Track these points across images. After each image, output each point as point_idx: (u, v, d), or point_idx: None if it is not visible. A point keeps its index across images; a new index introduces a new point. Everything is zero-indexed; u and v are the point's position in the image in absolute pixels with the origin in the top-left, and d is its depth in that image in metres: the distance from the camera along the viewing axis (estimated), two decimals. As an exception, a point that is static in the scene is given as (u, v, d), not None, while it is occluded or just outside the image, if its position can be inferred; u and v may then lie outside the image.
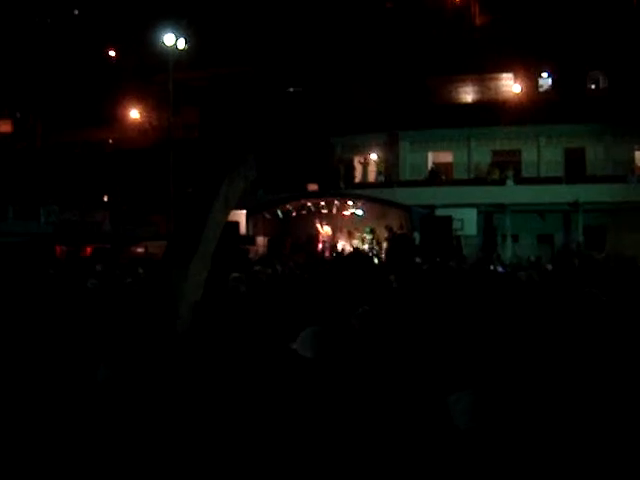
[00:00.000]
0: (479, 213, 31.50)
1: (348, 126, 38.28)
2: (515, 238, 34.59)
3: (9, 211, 30.43)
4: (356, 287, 11.20)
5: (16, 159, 45.28)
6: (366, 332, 6.12)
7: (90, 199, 39.83)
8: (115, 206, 39.67)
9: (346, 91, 40.00)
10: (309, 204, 32.02)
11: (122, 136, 48.00)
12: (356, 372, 4.81)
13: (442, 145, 38.78)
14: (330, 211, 32.23)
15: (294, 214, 32.38)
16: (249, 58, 43.12)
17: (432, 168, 37.54)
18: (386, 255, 26.83)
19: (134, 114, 48.17)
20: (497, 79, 41.38)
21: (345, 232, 31.99)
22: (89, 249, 30.71)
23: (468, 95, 41.76)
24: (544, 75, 41.61)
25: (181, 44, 35.45)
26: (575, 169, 35.88)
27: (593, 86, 40.40)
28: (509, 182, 34.72)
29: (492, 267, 20.02)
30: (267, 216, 32.22)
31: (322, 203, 32.00)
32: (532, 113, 36.74)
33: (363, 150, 39.65)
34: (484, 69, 40.48)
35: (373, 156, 39.51)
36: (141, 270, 14.27)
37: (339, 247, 30.52)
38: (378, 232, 30.46)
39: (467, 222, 29.63)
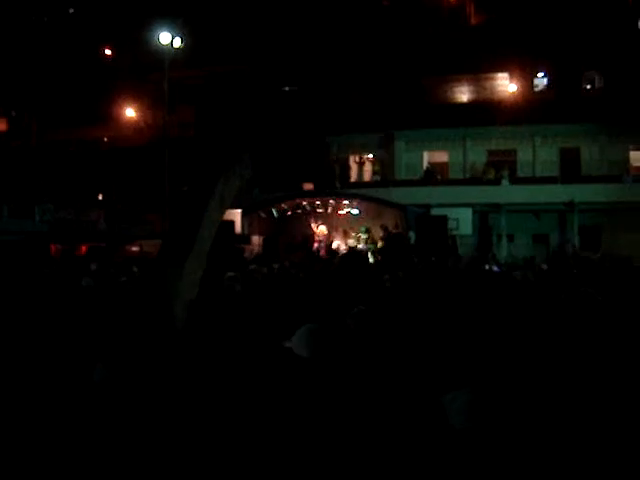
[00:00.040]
0: (474, 213, 31.51)
1: (344, 125, 38.26)
2: (510, 238, 34.64)
3: (4, 209, 30.33)
4: (351, 286, 11.19)
5: (11, 157, 45.20)
6: (361, 332, 6.11)
7: (85, 197, 39.78)
8: (110, 205, 39.62)
9: (342, 90, 40.01)
10: (304, 203, 31.95)
11: (117, 134, 47.95)
12: (351, 371, 4.80)
13: (437, 145, 38.79)
14: (325, 210, 32.17)
15: (289, 213, 32.32)
16: (244, 57, 43.08)
17: (427, 168, 37.55)
18: (381, 254, 26.80)
19: (129, 112, 48.08)
20: (492, 79, 41.39)
21: (340, 231, 31.92)
22: (84, 248, 30.65)
23: (463, 95, 41.77)
24: (540, 75, 41.65)
25: (177, 43, 35.41)
26: (570, 169, 35.93)
27: (588, 86, 40.43)
28: (504, 182, 34.75)
29: (487, 266, 20.02)
30: (262, 215, 32.14)
31: (317, 202, 31.94)
32: (527, 113, 36.79)
33: (359, 149, 39.65)
34: (479, 69, 40.48)
35: (369, 155, 39.50)
36: (136, 269, 14.24)
37: (334, 246, 30.47)
38: (373, 231, 30.43)
39: (462, 222, 29.63)
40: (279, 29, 42.11)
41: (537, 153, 37.18)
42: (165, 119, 35.73)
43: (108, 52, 51.44)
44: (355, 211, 31.57)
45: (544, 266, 17.55)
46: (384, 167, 38.96)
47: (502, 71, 40.88)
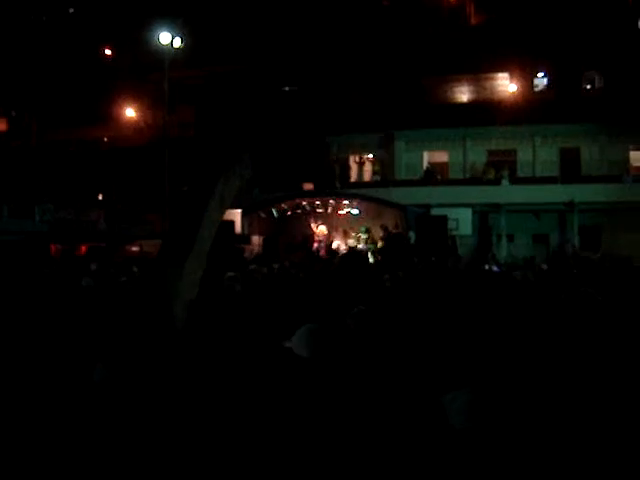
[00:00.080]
0: (474, 213, 31.51)
1: (344, 125, 38.25)
2: (510, 238, 34.63)
3: (4, 209, 30.33)
4: (351, 287, 11.19)
5: (11, 157, 45.18)
6: (361, 332, 6.11)
7: (85, 197, 39.78)
8: (110, 205, 39.62)
9: (342, 90, 39.99)
10: (304, 203, 31.95)
11: (117, 134, 47.95)
12: (351, 371, 4.80)
13: (437, 145, 38.78)
14: (325, 210, 32.17)
15: (289, 213, 32.32)
16: (244, 57, 43.08)
17: (427, 168, 37.54)
18: (381, 254, 26.80)
19: (129, 112, 48.07)
20: (492, 79, 41.38)
21: (340, 231, 31.92)
22: (84, 248, 30.64)
23: (463, 95, 41.76)
24: (540, 75, 41.64)
25: (177, 43, 35.41)
26: (570, 169, 35.92)
27: (588, 86, 40.42)
28: (504, 182, 34.74)
29: (487, 267, 20.03)
30: (262, 215, 32.14)
31: (317, 202, 31.94)
32: (527, 113, 36.79)
33: (359, 149, 39.63)
34: (479, 69, 40.48)
35: (369, 155, 39.48)
36: (136, 269, 14.24)
37: (334, 246, 30.47)
38: (373, 231, 30.43)
39: (462, 222, 29.63)
40: (279, 29, 42.10)
41: (537, 153, 37.17)
42: (165, 119, 35.73)
43: (108, 52, 51.44)
44: (355, 211, 31.57)
45: (544, 266, 17.55)
46: (384, 167, 38.95)
47: (502, 71, 40.88)
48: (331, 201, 31.65)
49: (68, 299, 9.64)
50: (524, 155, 37.34)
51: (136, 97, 47.10)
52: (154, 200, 35.60)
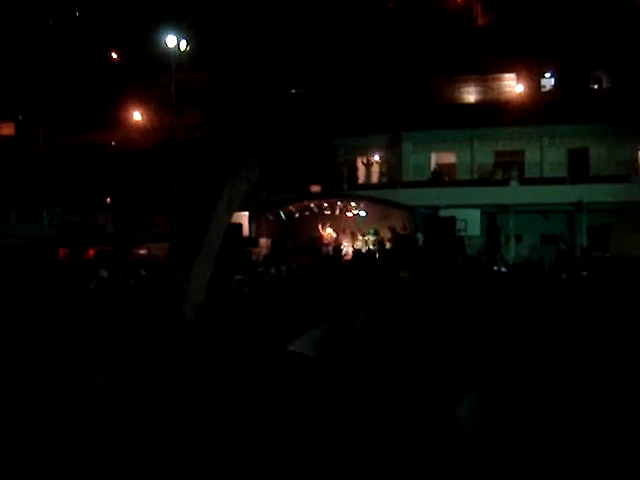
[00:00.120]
0: (482, 214, 31.48)
1: (351, 127, 38.23)
2: (519, 238, 34.56)
3: (12, 213, 30.43)
4: (360, 289, 11.18)
5: (19, 162, 45.33)
6: (369, 334, 6.09)
7: (93, 201, 39.84)
8: (118, 208, 39.68)
9: (348, 92, 39.97)
10: (312, 205, 32.02)
11: (125, 138, 48.05)
12: (360, 373, 4.78)
13: (445, 146, 38.73)
14: (333, 212, 32.23)
15: (297, 215, 32.38)
16: (251, 59, 43.12)
17: (435, 169, 37.51)
18: (389, 255, 26.79)
19: (136, 116, 48.16)
20: (499, 79, 41.32)
21: (348, 233, 31.98)
22: (92, 251, 30.68)
23: (471, 96, 41.71)
24: (547, 75, 41.58)
25: (183, 46, 35.45)
26: (578, 169, 35.83)
27: (596, 86, 40.33)
28: (513, 183, 34.69)
29: (496, 268, 19.99)
30: (270, 217, 32.22)
31: (325, 204, 32.01)
32: (535, 113, 36.69)
33: (366, 151, 39.59)
34: (486, 69, 40.43)
35: (376, 157, 39.44)
36: (144, 272, 14.25)
37: (342, 249, 30.50)
38: (381, 233, 30.46)
39: (470, 223, 29.61)
40: (285, 32, 42.12)
41: (545, 153, 37.09)
42: (172, 122, 35.78)
43: (114, 56, 51.59)
44: (363, 213, 31.61)
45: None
46: (391, 169, 38.92)
47: (509, 72, 40.82)
48: (339, 203, 31.72)
49: (75, 303, 9.64)
50: (532, 156, 37.27)
51: (143, 100, 47.20)
52: (162, 203, 35.64)
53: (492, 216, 34.35)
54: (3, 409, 4.64)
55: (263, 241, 30.62)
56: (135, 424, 4.10)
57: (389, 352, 5.72)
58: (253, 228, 30.34)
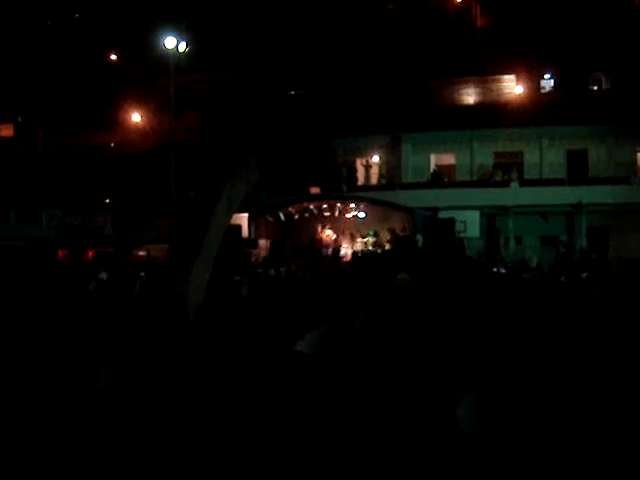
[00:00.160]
0: (482, 215, 31.50)
1: (350, 128, 38.23)
2: (518, 240, 34.54)
3: (11, 215, 30.40)
4: (360, 290, 11.17)
5: (18, 163, 45.29)
6: (368, 335, 6.08)
7: (92, 203, 39.79)
8: (117, 209, 39.64)
9: (347, 93, 39.97)
10: (311, 207, 32.03)
11: (124, 139, 48.02)
12: (359, 374, 4.77)
13: (444, 147, 38.74)
14: (332, 214, 32.23)
15: (296, 217, 32.38)
16: (250, 61, 43.10)
17: (434, 170, 37.50)
18: (388, 257, 26.78)
19: (135, 117, 48.13)
20: (499, 81, 41.33)
21: (348, 235, 31.97)
22: (91, 253, 30.68)
23: (470, 97, 41.71)
24: (546, 76, 41.58)
25: (182, 47, 35.41)
26: (578, 171, 35.83)
27: (595, 87, 40.35)
28: (514, 184, 34.69)
29: (495, 269, 19.99)
30: (269, 219, 32.23)
31: (324, 206, 32.02)
32: (534, 115, 36.68)
33: (365, 152, 39.58)
34: (486, 71, 40.44)
35: (375, 158, 39.42)
36: (143, 274, 14.22)
37: (342, 251, 30.51)
38: (381, 234, 30.45)
39: (470, 224, 29.63)
40: (284, 33, 42.12)
41: (544, 155, 37.10)
42: (171, 124, 35.75)
43: (114, 57, 51.58)
44: (362, 214, 31.60)
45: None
46: (391, 170, 38.91)
47: (508, 73, 40.83)
48: (338, 204, 31.72)
49: (74, 304, 9.63)
50: (531, 157, 37.28)
51: (142, 102, 47.16)
52: (161, 205, 35.62)
53: (491, 217, 34.36)
54: (3, 410, 4.63)
55: (262, 242, 30.63)
56: (134, 425, 4.09)
57: (388, 353, 5.71)
58: (252, 229, 30.35)
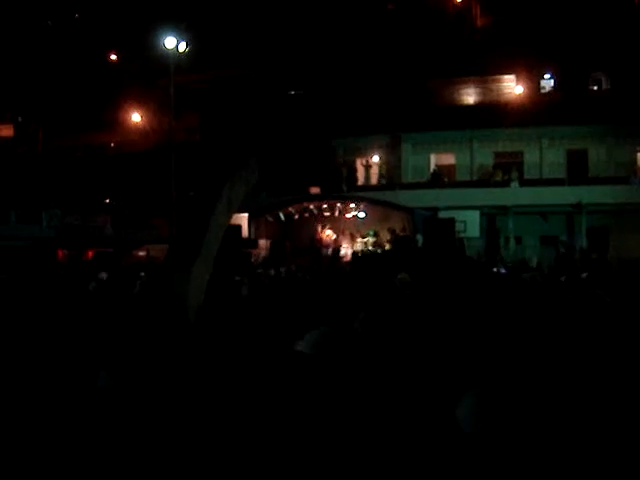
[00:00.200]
0: (482, 215, 31.50)
1: (350, 128, 38.21)
2: (518, 240, 34.53)
3: (11, 215, 30.41)
4: (359, 290, 11.17)
5: (18, 163, 45.31)
6: (368, 335, 6.08)
7: (92, 203, 39.79)
8: (117, 210, 39.63)
9: (348, 93, 39.96)
10: (311, 207, 32.02)
11: (124, 139, 48.03)
12: (359, 374, 4.77)
13: (444, 147, 38.73)
14: (332, 214, 32.23)
15: (296, 217, 32.38)
16: (250, 61, 43.11)
17: (434, 170, 37.48)
18: (388, 257, 26.79)
19: (135, 117, 48.13)
20: (499, 81, 41.34)
21: (348, 235, 31.96)
22: (91, 253, 30.68)
23: (470, 97, 41.72)
24: (546, 76, 41.59)
25: (182, 47, 35.39)
26: (578, 171, 35.83)
27: (595, 87, 40.35)
28: (514, 184, 34.68)
29: (495, 269, 19.99)
30: (269, 219, 32.22)
31: (324, 206, 32.01)
32: (534, 115, 36.68)
33: (365, 152, 39.56)
34: (486, 71, 40.45)
35: (375, 158, 39.40)
36: (143, 274, 14.21)
37: (342, 251, 30.51)
38: (381, 234, 30.46)
39: (470, 224, 29.63)
40: (284, 33, 42.12)
41: (544, 155, 37.09)
42: (171, 124, 35.74)
43: (114, 57, 51.59)
44: (362, 214, 31.60)
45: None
46: (391, 170, 38.90)
47: (508, 73, 40.83)
48: (338, 204, 31.71)
49: (74, 304, 9.63)
50: (531, 157, 37.27)
51: (142, 102, 47.16)
52: (161, 205, 35.61)
53: (491, 217, 34.35)
54: (3, 409, 4.63)
55: (262, 242, 30.62)
56: (134, 425, 4.09)
57: (388, 353, 5.71)
58: (252, 229, 30.35)
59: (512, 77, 41.03)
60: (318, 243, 31.27)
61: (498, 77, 41.16)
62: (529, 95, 40.68)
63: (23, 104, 48.80)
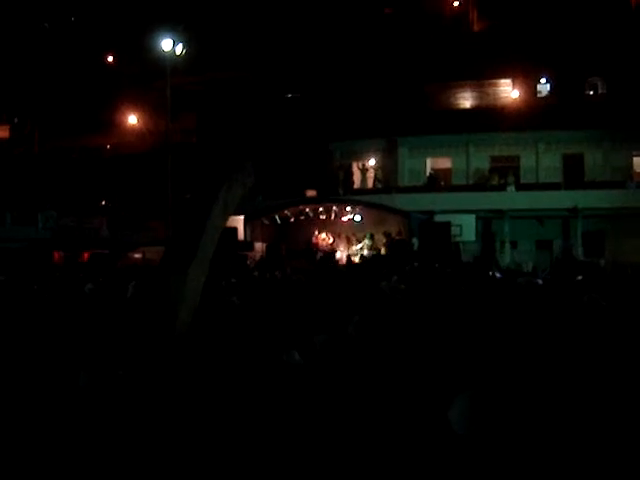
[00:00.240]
0: (478, 219, 31.50)
1: (347, 132, 38.23)
2: (514, 244, 34.56)
3: (7, 217, 30.43)
4: (353, 294, 11.17)
5: (13, 165, 45.27)
6: (362, 339, 6.08)
7: (88, 204, 39.78)
8: (113, 211, 39.62)
9: (344, 97, 39.99)
10: (307, 210, 31.98)
11: (120, 141, 48.01)
12: (352, 378, 4.78)
13: (441, 151, 38.74)
14: (328, 217, 32.19)
15: (292, 220, 32.35)
16: (247, 63, 43.13)
17: (431, 174, 37.48)
18: (383, 260, 26.79)
19: (132, 119, 48.12)
20: (495, 85, 41.40)
21: (344, 238, 31.93)
22: (87, 254, 30.67)
23: (466, 101, 41.77)
24: (542, 81, 41.66)
25: (178, 50, 35.36)
26: (574, 175, 35.87)
27: (591, 92, 40.42)
28: (510, 188, 34.70)
29: (491, 273, 19.97)
30: (265, 222, 32.18)
31: (320, 209, 31.97)
32: (530, 119, 36.73)
33: (362, 156, 39.54)
34: (482, 75, 40.52)
35: (372, 162, 39.38)
36: (137, 276, 14.19)
37: (337, 255, 30.46)
38: (377, 238, 30.44)
39: (466, 228, 29.63)
40: (281, 36, 42.15)
41: (540, 159, 37.12)
42: (168, 126, 35.71)
43: (110, 59, 51.60)
44: (358, 218, 31.57)
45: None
46: (387, 173, 38.89)
47: (505, 77, 40.92)
48: (334, 208, 31.66)
49: (68, 306, 9.63)
50: (527, 161, 37.30)
51: (138, 104, 47.16)
52: (157, 207, 35.57)
53: (487, 221, 34.37)
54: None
55: (258, 245, 30.59)
56: (119, 425, 4.09)
57: (382, 356, 5.72)
58: (248, 232, 30.30)
59: (508, 81, 41.11)
60: (314, 246, 31.23)
61: (494, 81, 41.23)
62: (525, 99, 40.76)
63: (19, 105, 48.79)
